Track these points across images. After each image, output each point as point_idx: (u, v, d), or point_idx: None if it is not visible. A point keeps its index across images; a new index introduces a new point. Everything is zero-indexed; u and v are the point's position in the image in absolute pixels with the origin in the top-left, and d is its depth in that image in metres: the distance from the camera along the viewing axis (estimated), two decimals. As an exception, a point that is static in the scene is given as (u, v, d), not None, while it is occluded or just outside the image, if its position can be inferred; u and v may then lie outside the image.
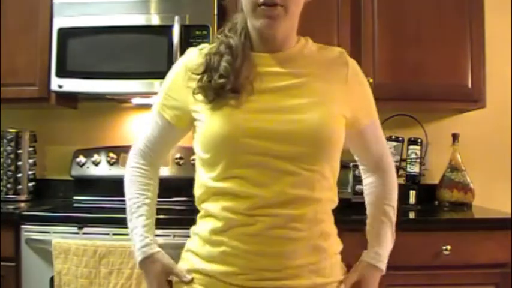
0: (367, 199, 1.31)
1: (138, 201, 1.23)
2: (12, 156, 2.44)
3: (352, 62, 1.20)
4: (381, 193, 1.28)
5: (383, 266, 1.25)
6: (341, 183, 2.26)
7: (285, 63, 1.14)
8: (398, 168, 2.40)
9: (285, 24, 1.10)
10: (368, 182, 1.31)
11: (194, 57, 1.17)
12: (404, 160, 2.40)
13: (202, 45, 1.20)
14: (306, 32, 1.22)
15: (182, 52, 1.28)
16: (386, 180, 1.28)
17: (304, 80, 1.12)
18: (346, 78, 1.16)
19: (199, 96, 1.12)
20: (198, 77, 1.13)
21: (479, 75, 2.25)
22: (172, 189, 2.37)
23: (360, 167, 1.34)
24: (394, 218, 1.27)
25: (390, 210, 1.26)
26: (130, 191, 1.25)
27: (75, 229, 1.91)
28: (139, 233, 1.20)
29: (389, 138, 2.30)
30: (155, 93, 1.32)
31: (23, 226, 1.94)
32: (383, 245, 1.26)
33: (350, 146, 1.27)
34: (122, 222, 1.90)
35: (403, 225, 1.96)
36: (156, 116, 1.22)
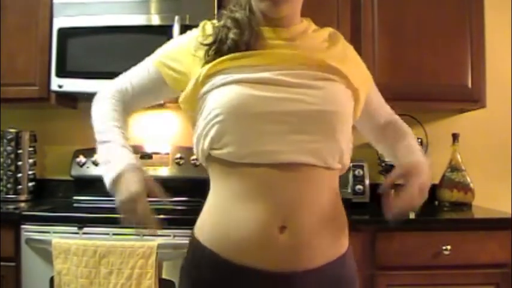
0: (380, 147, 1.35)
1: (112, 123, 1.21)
2: (12, 156, 2.44)
3: (342, 38, 1.24)
4: (394, 131, 1.29)
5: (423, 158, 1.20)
6: (341, 183, 2.28)
7: (292, 37, 1.14)
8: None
9: (288, 6, 1.11)
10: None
11: (205, 27, 1.17)
12: (405, 160, 2.40)
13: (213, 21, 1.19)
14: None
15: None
16: (396, 126, 1.30)
17: (312, 55, 1.12)
18: (343, 52, 1.19)
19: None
20: (206, 47, 1.11)
21: (479, 75, 2.25)
22: (172, 189, 2.36)
23: (373, 142, 1.36)
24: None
25: (408, 135, 1.27)
26: (102, 116, 1.23)
27: (75, 229, 1.91)
28: (121, 144, 1.15)
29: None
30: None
31: (23, 226, 1.94)
32: (415, 152, 1.22)
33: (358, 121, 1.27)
34: (122, 223, 1.92)
35: (402, 225, 1.97)
36: (151, 67, 1.20)
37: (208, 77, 1.08)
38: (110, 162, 1.13)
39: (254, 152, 1.03)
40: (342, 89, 1.11)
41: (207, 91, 1.08)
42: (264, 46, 1.11)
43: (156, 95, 1.25)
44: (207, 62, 1.10)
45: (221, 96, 1.05)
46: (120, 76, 1.27)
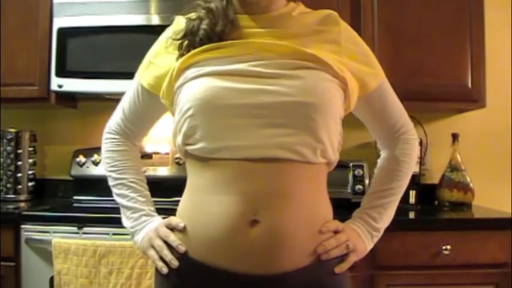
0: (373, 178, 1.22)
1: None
2: (12, 156, 2.44)
3: (344, 23, 1.13)
4: (386, 168, 1.19)
5: (371, 245, 1.14)
6: (341, 183, 2.29)
7: (272, 24, 1.08)
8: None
9: None
10: (379, 160, 1.22)
11: (178, 22, 1.13)
12: (404, 160, 2.40)
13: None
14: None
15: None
16: (396, 152, 1.18)
17: (291, 41, 1.05)
18: (338, 38, 1.09)
19: None
20: (179, 42, 1.08)
21: (479, 75, 2.25)
22: (172, 189, 2.36)
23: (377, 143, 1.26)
24: (398, 195, 1.17)
25: (395, 187, 1.16)
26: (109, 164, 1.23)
27: (75, 229, 1.91)
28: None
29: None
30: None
31: (22, 226, 1.94)
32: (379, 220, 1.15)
33: (358, 116, 1.20)
34: (121, 222, 1.92)
35: (403, 225, 1.97)
36: (137, 85, 1.18)
37: (181, 70, 1.05)
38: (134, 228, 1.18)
39: (225, 147, 0.99)
40: (325, 78, 1.01)
41: (180, 85, 1.05)
42: (240, 35, 1.06)
43: (155, 111, 1.22)
44: (180, 56, 1.07)
45: (192, 90, 1.01)
46: (118, 106, 1.25)
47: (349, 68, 1.07)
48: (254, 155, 0.97)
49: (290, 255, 0.97)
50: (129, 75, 1.21)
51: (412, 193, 2.37)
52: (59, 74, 2.25)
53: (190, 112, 1.01)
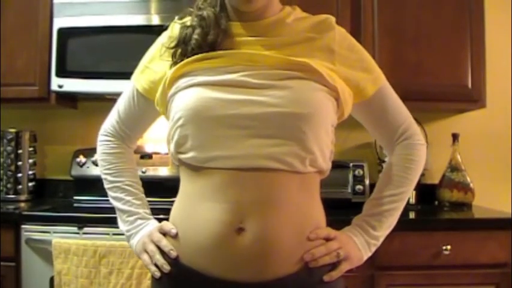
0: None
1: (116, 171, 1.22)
2: (12, 156, 2.44)
3: (340, 28, 1.11)
4: (389, 174, 1.16)
5: (368, 253, 1.12)
6: (341, 183, 2.30)
7: (264, 32, 1.07)
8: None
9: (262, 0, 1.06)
10: (384, 165, 1.20)
11: (173, 29, 1.13)
12: (405, 160, 2.40)
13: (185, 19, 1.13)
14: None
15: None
16: (399, 157, 1.16)
17: (282, 50, 1.04)
18: (332, 45, 1.08)
19: None
20: (172, 50, 1.08)
21: (479, 75, 2.26)
22: (172, 189, 2.36)
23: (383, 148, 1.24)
24: (400, 202, 1.15)
25: (397, 194, 1.14)
26: (105, 166, 1.24)
27: (75, 229, 1.91)
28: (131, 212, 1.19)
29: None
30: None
31: (23, 226, 1.94)
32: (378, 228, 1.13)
33: (361, 122, 1.19)
34: (122, 222, 1.92)
35: (403, 225, 1.97)
36: (132, 89, 1.19)
37: (174, 79, 1.06)
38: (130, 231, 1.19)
39: (214, 157, 0.99)
40: (315, 87, 1.01)
41: (173, 94, 1.06)
42: (231, 44, 1.06)
43: (149, 115, 1.22)
44: (174, 64, 1.07)
45: (183, 100, 1.02)
46: (113, 108, 1.25)
47: (343, 75, 1.07)
48: (243, 165, 0.98)
49: (277, 263, 0.98)
50: (130, 75, 1.22)
51: (412, 193, 2.37)
52: (59, 74, 2.25)
53: (181, 122, 1.02)
